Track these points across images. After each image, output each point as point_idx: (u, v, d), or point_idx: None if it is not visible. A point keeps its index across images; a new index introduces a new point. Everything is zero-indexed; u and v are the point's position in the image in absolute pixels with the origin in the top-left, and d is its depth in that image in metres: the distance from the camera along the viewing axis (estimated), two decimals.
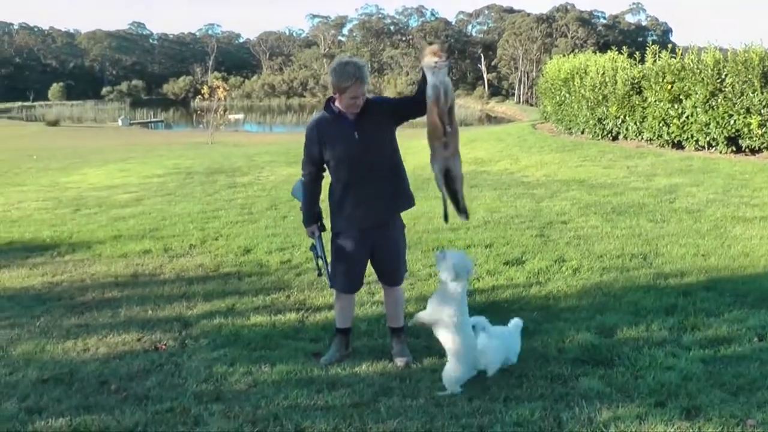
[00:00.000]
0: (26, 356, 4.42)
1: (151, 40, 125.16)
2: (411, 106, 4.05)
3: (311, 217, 4.29)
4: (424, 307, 3.99)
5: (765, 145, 12.14)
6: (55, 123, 55.64)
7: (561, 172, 12.25)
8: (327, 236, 4.30)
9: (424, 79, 3.87)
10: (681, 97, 13.48)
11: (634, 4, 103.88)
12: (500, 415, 3.46)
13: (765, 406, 3.50)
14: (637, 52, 16.10)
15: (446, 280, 3.83)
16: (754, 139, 12.17)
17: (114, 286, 6.01)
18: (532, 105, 67.22)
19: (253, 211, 9.39)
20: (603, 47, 44.12)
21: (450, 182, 4.01)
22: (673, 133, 13.68)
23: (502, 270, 6.04)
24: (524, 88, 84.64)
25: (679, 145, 13.82)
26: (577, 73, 17.41)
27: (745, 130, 12.26)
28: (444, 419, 3.45)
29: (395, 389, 3.81)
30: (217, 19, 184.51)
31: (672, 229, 7.44)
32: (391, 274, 4.30)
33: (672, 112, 13.62)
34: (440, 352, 4.03)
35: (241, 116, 65.76)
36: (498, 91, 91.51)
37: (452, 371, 3.78)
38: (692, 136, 13.30)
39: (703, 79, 12.93)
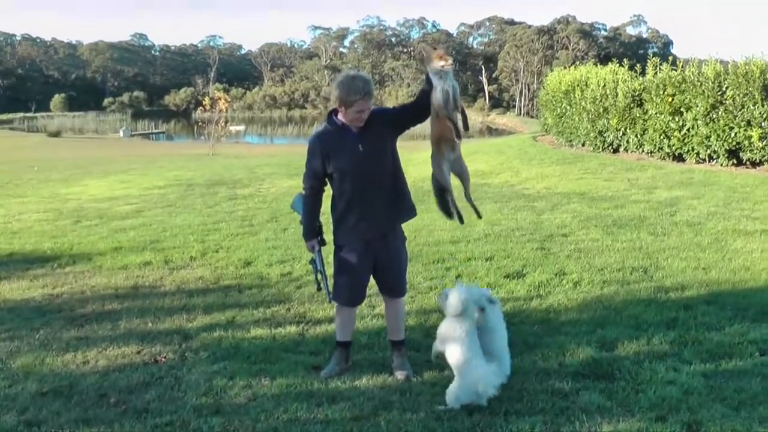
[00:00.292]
0: (26, 369, 4.42)
1: (153, 52, 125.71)
2: (415, 113, 4.03)
3: (312, 231, 4.27)
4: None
5: (766, 158, 12.17)
6: (56, 134, 55.73)
7: (562, 184, 12.27)
8: (327, 250, 4.29)
9: (429, 84, 3.87)
10: (682, 109, 13.51)
11: (635, 16, 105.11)
12: (501, 430, 3.45)
13: (767, 421, 3.48)
14: (638, 65, 16.18)
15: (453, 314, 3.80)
16: (755, 151, 12.20)
17: (114, 298, 6.01)
18: (533, 117, 67.42)
19: (254, 223, 9.40)
20: (604, 59, 44.18)
21: (443, 192, 4.07)
22: (674, 145, 13.70)
23: (502, 283, 6.04)
24: (525, 100, 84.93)
25: (680, 158, 13.84)
26: (577, 85, 17.46)
27: (746, 142, 12.29)
28: None
29: (395, 403, 3.79)
30: (218, 31, 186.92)
31: (673, 242, 7.43)
32: (394, 284, 4.29)
33: (673, 125, 13.65)
34: (440, 366, 4.02)
35: (242, 128, 65.84)
36: (499, 103, 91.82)
37: (455, 389, 3.72)
38: (693, 149, 13.33)
39: (703, 91, 12.97)
